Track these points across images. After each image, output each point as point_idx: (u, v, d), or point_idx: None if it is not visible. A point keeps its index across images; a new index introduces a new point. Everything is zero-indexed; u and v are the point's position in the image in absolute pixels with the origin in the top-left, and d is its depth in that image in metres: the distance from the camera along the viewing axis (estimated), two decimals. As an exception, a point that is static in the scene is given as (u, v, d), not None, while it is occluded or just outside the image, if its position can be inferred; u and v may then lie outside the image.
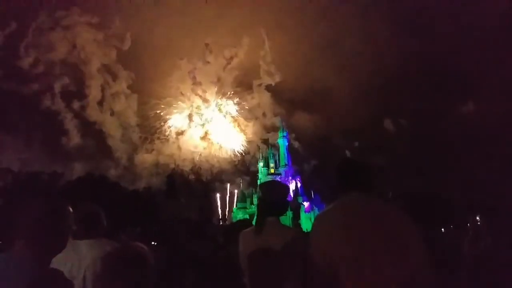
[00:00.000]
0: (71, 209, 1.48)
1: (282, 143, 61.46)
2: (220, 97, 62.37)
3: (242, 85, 62.75)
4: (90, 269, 1.92)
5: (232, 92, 62.46)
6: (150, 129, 60.68)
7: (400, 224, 1.56)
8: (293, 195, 52.12)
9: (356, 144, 59.73)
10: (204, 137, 60.94)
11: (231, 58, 60.59)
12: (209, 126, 61.73)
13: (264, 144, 62.38)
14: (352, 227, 1.55)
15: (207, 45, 60.90)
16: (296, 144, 63.25)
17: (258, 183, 48.86)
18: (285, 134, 61.77)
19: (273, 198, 2.14)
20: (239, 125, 62.21)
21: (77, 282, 1.94)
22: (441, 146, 55.57)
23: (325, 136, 64.29)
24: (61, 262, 1.97)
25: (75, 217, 2.08)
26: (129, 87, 59.02)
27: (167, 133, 60.74)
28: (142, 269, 1.10)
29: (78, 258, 1.98)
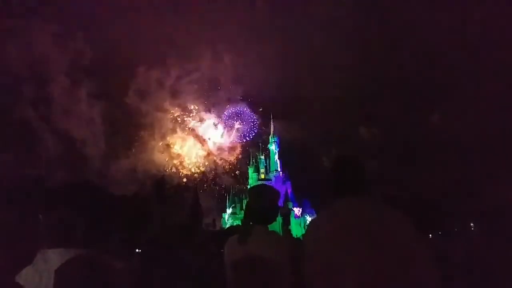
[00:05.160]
0: (41, 217, 1.33)
1: (272, 148, 61.53)
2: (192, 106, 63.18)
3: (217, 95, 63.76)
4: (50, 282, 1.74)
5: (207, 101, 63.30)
6: (132, 137, 60.68)
7: (407, 231, 1.45)
8: (284, 201, 52.01)
9: (333, 151, 60.54)
10: (167, 149, 61.50)
11: (197, 69, 61.49)
12: (176, 137, 62.22)
13: (255, 150, 62.76)
14: (356, 234, 1.43)
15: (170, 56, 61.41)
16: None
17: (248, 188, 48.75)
18: (275, 139, 61.91)
19: (262, 204, 1.97)
20: (196, 138, 63.13)
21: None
22: (421, 152, 56.81)
23: (302, 144, 65.20)
24: (30, 274, 1.79)
25: (46, 224, 1.92)
26: (107, 94, 58.75)
27: (149, 140, 60.86)
28: (99, 283, 0.96)
29: (48, 269, 1.81)
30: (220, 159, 63.30)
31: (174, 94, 64.06)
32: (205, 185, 61.61)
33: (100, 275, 0.97)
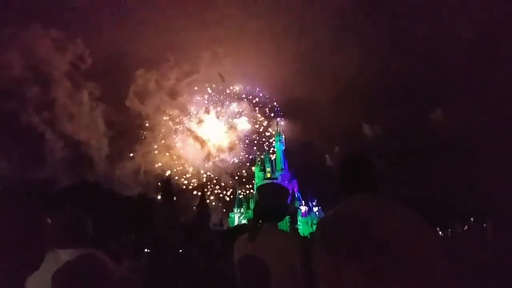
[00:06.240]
0: (49, 220, 1.33)
1: (278, 147, 61.37)
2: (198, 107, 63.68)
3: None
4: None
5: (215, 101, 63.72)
6: (134, 139, 61.50)
7: (417, 227, 1.43)
8: (290, 200, 51.91)
9: (337, 148, 60.47)
10: (169, 151, 62.01)
11: (193, 71, 61.83)
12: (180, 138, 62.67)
13: (261, 148, 62.90)
14: (365, 230, 1.41)
15: (168, 59, 61.77)
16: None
17: (255, 187, 49.05)
18: (281, 138, 61.75)
19: (271, 202, 1.98)
20: (197, 139, 63.47)
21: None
22: (426, 151, 56.22)
23: (305, 142, 65.27)
24: (41, 274, 1.81)
25: (56, 225, 1.94)
26: (105, 97, 59.47)
27: (152, 141, 61.60)
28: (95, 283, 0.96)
29: (58, 270, 1.82)
30: (220, 160, 63.80)
31: (175, 97, 64.83)
32: (210, 187, 62.02)
33: (96, 276, 0.96)
